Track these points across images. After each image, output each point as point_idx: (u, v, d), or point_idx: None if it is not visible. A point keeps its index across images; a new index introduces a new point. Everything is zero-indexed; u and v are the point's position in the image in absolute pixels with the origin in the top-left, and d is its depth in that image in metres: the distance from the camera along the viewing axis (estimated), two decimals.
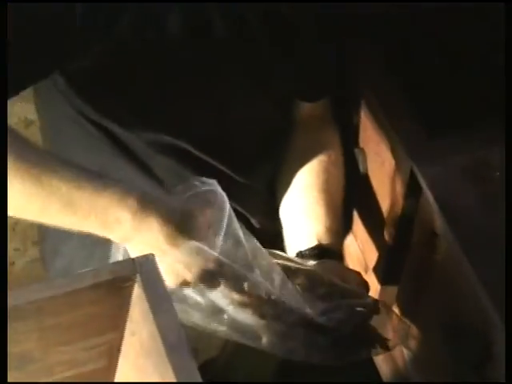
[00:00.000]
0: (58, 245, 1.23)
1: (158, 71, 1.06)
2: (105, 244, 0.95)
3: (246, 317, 0.99)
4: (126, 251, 0.93)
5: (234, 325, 0.99)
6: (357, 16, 1.22)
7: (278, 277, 0.98)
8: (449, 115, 1.17)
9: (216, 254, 0.94)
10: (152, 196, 0.93)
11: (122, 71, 1.04)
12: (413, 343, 1.20)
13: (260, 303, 0.98)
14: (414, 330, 1.18)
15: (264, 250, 0.99)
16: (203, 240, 0.93)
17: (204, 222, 0.94)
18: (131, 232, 0.91)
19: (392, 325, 1.10)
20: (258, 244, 0.99)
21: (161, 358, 0.70)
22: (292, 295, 1.00)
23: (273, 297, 0.98)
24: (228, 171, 1.16)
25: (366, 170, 1.29)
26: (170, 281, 0.93)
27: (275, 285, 0.98)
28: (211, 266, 0.94)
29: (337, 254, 1.16)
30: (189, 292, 0.96)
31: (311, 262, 1.11)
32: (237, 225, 0.95)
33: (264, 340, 1.01)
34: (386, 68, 1.25)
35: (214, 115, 1.13)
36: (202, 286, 0.96)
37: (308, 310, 1.00)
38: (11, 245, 1.70)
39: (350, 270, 1.17)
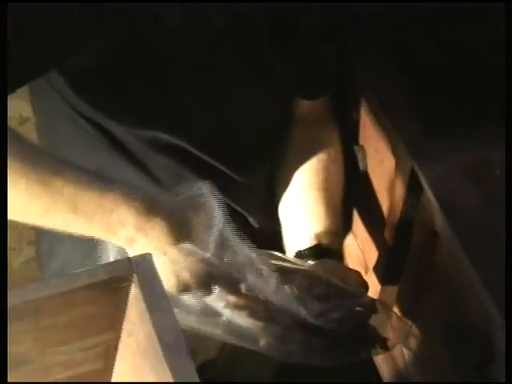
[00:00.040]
0: (54, 245, 1.23)
1: (158, 70, 1.05)
2: (101, 244, 0.94)
3: (243, 319, 0.98)
4: (119, 251, 0.93)
5: (231, 327, 0.99)
6: (357, 16, 1.22)
7: (272, 280, 0.98)
8: (449, 114, 1.17)
9: (210, 256, 0.93)
10: (153, 196, 0.93)
11: (122, 70, 1.04)
12: (413, 343, 1.19)
13: (256, 305, 0.98)
14: (414, 329, 1.18)
15: (258, 252, 0.98)
16: (198, 242, 0.93)
17: (198, 224, 0.93)
18: (135, 233, 0.91)
19: (392, 324, 1.09)
20: (251, 249, 0.97)
21: (158, 359, 0.70)
22: (287, 298, 0.99)
23: (268, 299, 0.98)
24: (227, 170, 1.16)
25: (366, 167, 1.29)
26: (170, 282, 0.93)
27: (270, 288, 0.98)
28: (208, 267, 0.94)
29: (336, 254, 1.16)
30: (184, 295, 0.96)
31: (310, 262, 1.11)
32: (229, 228, 0.95)
33: (261, 342, 1.01)
34: (386, 68, 1.24)
35: (214, 114, 1.13)
36: (200, 288, 0.95)
37: (304, 312, 1.00)
38: None
39: (350, 269, 1.16)
